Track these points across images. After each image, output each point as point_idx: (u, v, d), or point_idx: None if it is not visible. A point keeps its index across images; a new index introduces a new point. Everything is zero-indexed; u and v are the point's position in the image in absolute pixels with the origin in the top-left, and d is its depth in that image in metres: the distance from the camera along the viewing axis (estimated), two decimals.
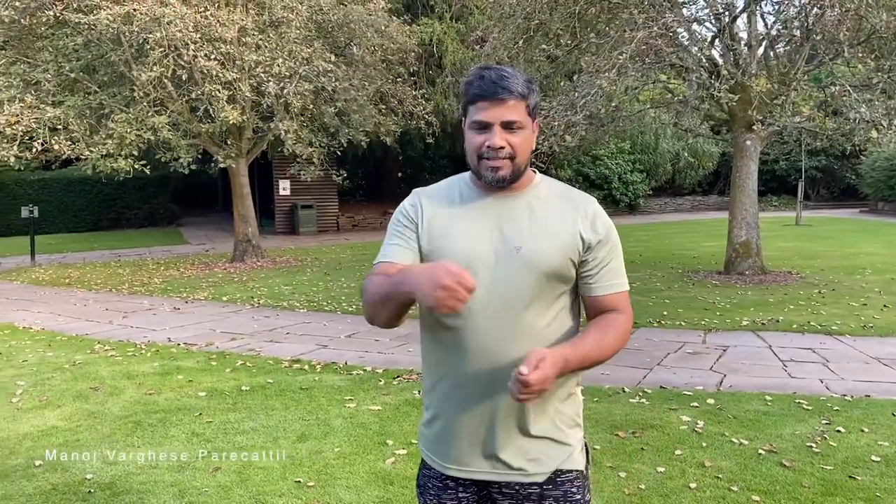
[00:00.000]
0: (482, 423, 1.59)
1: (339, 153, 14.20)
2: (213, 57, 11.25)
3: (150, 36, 10.85)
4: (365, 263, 13.26)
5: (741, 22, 11.07)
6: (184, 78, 11.50)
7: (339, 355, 6.43)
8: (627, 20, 9.44)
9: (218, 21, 11.32)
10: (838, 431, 4.25)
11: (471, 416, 1.60)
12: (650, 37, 9.01)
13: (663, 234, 18.41)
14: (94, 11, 10.86)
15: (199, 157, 13.47)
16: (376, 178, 26.03)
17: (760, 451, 3.97)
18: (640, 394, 5.08)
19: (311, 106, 12.63)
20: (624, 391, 5.15)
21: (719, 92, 9.03)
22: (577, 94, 9.51)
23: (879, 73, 9.31)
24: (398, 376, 5.64)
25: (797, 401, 4.83)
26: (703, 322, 7.52)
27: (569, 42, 10.14)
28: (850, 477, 3.62)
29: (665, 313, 8.00)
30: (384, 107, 14.58)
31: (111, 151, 11.49)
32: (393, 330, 7.52)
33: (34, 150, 11.24)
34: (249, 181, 14.25)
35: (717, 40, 10.91)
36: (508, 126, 1.55)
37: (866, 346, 6.39)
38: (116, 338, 7.35)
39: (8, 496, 3.56)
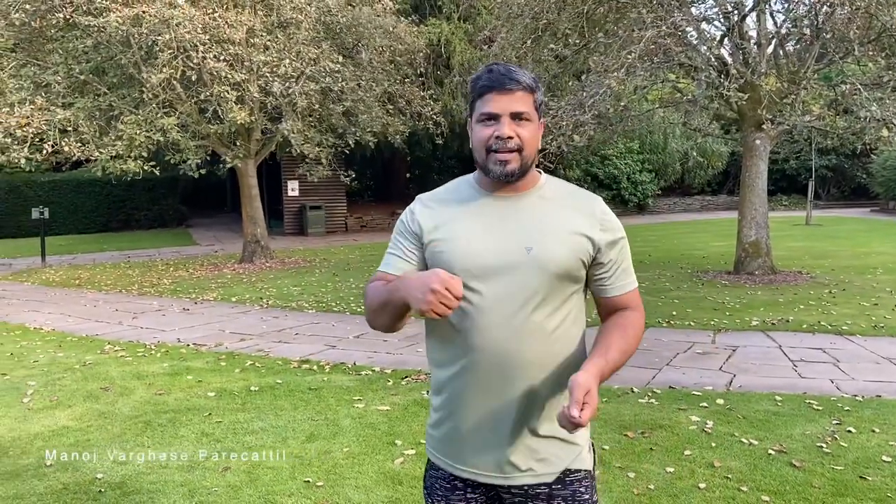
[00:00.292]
0: (490, 424, 1.59)
1: (346, 153, 14.24)
2: (221, 58, 11.29)
3: (160, 38, 10.90)
4: (373, 264, 13.28)
5: (750, 20, 11.07)
6: (192, 79, 11.54)
7: (348, 356, 6.44)
8: (636, 19, 9.42)
9: (226, 22, 11.36)
10: (849, 432, 4.22)
11: (479, 417, 1.59)
12: (659, 36, 8.98)
13: (672, 234, 18.35)
14: (104, 14, 10.92)
15: (208, 158, 13.52)
16: (384, 178, 26.05)
17: (770, 451, 3.95)
18: (650, 394, 5.06)
19: (318, 106, 12.65)
20: (633, 391, 5.14)
21: (728, 91, 8.99)
22: (585, 94, 9.49)
23: (890, 72, 9.25)
24: (407, 377, 5.64)
25: (807, 401, 4.81)
26: (712, 322, 7.49)
27: (577, 42, 10.13)
28: (860, 477, 3.60)
29: (674, 313, 7.97)
30: (392, 107, 14.60)
31: (121, 153, 11.55)
32: (402, 331, 7.53)
33: (44, 151, 11.31)
34: (258, 182, 14.29)
35: (726, 39, 10.87)
36: (517, 117, 1.55)
37: (877, 346, 6.35)
38: (126, 338, 7.39)
39: (20, 495, 3.58)
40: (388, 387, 5.39)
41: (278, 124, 12.59)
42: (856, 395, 4.93)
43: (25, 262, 15.23)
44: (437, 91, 16.74)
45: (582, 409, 1.38)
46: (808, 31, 9.87)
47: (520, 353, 1.55)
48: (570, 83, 12.04)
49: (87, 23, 10.94)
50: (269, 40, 11.99)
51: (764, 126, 10.23)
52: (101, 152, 11.52)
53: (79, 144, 11.47)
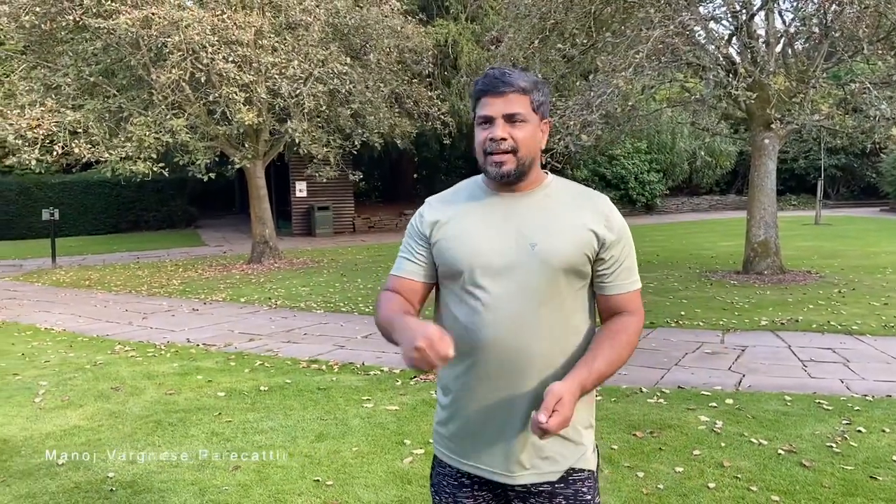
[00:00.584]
0: (497, 421, 1.60)
1: (354, 153, 14.26)
2: (230, 59, 11.34)
3: (169, 39, 10.96)
4: (381, 265, 13.30)
5: (759, 19, 10.99)
6: (201, 81, 11.60)
7: (357, 356, 6.46)
8: (643, 19, 9.41)
9: (235, 24, 11.41)
10: (859, 431, 4.21)
11: (486, 414, 1.61)
12: (666, 35, 8.96)
13: (680, 234, 18.30)
14: (114, 16, 10.99)
15: (217, 159, 13.58)
16: (392, 179, 26.10)
17: (780, 451, 3.95)
18: (658, 394, 5.06)
19: (326, 107, 12.69)
20: (641, 391, 5.13)
21: (737, 90, 8.96)
22: (592, 94, 9.48)
23: None
24: (415, 377, 5.65)
25: (817, 401, 4.79)
26: (721, 322, 7.47)
27: (584, 42, 10.11)
28: (871, 477, 3.59)
29: (683, 313, 7.96)
30: (399, 108, 14.62)
31: (130, 154, 11.61)
32: None
33: (55, 153, 11.38)
34: (266, 183, 14.34)
35: (734, 38, 10.84)
36: (511, 119, 1.56)
37: (887, 345, 6.32)
38: (136, 338, 7.43)
39: (32, 494, 3.61)
40: (397, 387, 5.40)
41: (286, 125, 12.64)
42: (866, 395, 4.91)
43: (36, 262, 15.34)
44: (444, 91, 16.77)
45: (550, 416, 1.39)
46: (816, 30, 9.83)
47: (527, 349, 1.56)
48: (577, 83, 12.02)
49: (96, 25, 11.01)
50: (277, 42, 12.03)
51: (773, 125, 10.20)
52: (110, 154, 11.59)
53: (89, 146, 11.54)
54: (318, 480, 3.70)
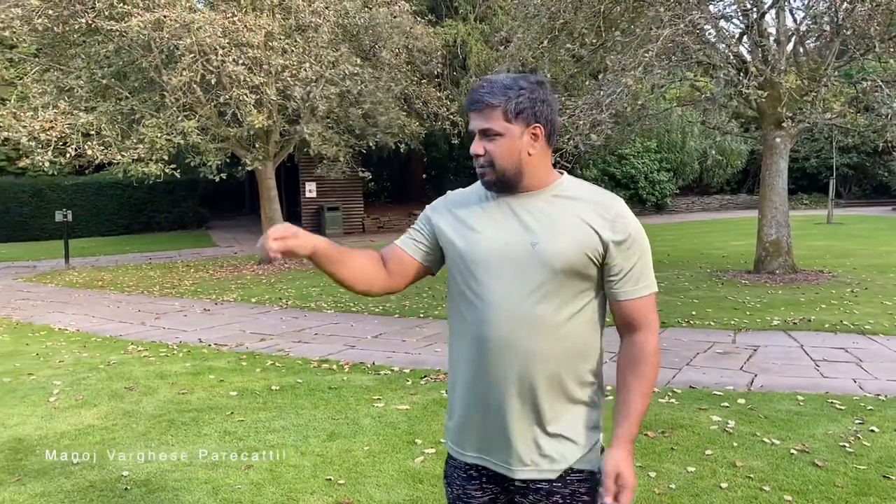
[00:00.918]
0: (498, 416, 1.62)
1: (364, 151, 14.32)
2: (240, 62, 11.40)
3: (180, 42, 11.03)
4: None
5: (769, 18, 10.94)
6: (212, 83, 11.66)
7: (367, 355, 6.48)
8: (653, 18, 9.38)
9: (245, 26, 11.47)
10: (872, 431, 4.19)
11: (488, 408, 1.63)
12: (676, 34, 8.94)
13: (691, 234, 18.24)
14: (126, 18, 11.07)
15: (228, 160, 13.65)
16: (401, 179, 26.13)
17: (792, 450, 3.93)
18: (670, 394, 5.05)
19: (337, 108, 12.73)
20: (653, 391, 5.12)
21: (748, 89, 8.92)
22: (602, 93, 9.46)
23: None
24: (425, 376, 5.66)
25: (830, 400, 4.77)
26: (732, 322, 7.44)
27: (594, 41, 10.10)
28: (884, 476, 3.57)
29: (694, 313, 7.93)
30: (409, 109, 14.65)
31: (142, 156, 11.69)
32: (420, 331, 7.58)
33: (68, 155, 11.48)
34: (276, 184, 14.40)
35: (744, 37, 10.79)
36: (485, 134, 1.61)
37: None
38: (149, 339, 7.48)
39: (47, 493, 3.65)
40: (407, 386, 5.42)
41: (297, 126, 12.69)
42: (879, 395, 4.88)
43: (49, 264, 15.46)
44: (453, 92, 16.79)
45: (618, 494, 1.55)
46: (827, 28, 9.77)
47: (525, 347, 1.58)
48: (587, 82, 12.00)
49: (108, 27, 11.10)
50: (287, 44, 12.08)
51: (784, 124, 10.15)
52: (123, 156, 11.67)
53: (101, 148, 11.63)
54: (329, 479, 3.72)
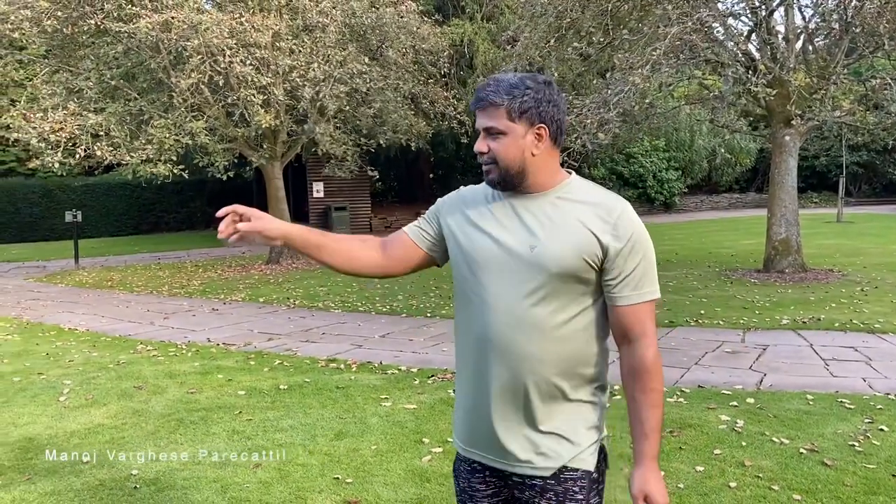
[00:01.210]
0: (495, 413, 1.64)
1: (372, 151, 14.34)
2: (248, 62, 11.43)
3: (188, 43, 11.07)
4: None
5: (778, 15, 10.89)
6: (220, 83, 11.70)
7: (374, 355, 6.49)
8: (661, 16, 9.35)
9: (253, 27, 11.50)
10: (881, 430, 4.17)
11: (485, 406, 1.65)
12: (684, 32, 8.91)
13: (700, 233, 18.17)
14: (134, 20, 11.12)
15: (235, 160, 13.70)
16: (408, 179, 26.14)
17: (802, 450, 3.92)
18: (678, 393, 5.03)
19: (346, 107, 12.76)
20: (663, 398, 5.10)
21: (756, 87, 8.89)
22: (609, 92, 9.44)
23: None
24: (433, 375, 5.67)
25: (839, 400, 4.75)
26: (741, 321, 7.41)
27: (601, 40, 10.08)
28: (893, 476, 3.55)
29: (702, 312, 7.91)
30: (416, 109, 14.66)
31: (151, 157, 11.74)
32: (427, 330, 7.58)
33: (77, 156, 11.54)
34: (284, 184, 14.43)
35: (753, 34, 10.75)
36: (489, 132, 1.63)
37: None
38: (158, 338, 7.51)
39: (57, 492, 3.67)
40: (415, 385, 5.42)
41: (304, 126, 12.72)
42: (888, 394, 4.86)
43: (59, 264, 15.55)
44: (460, 91, 16.78)
45: None
46: (836, 26, 9.72)
47: (521, 348, 1.59)
48: (594, 81, 11.98)
49: (117, 29, 11.15)
50: (294, 44, 12.11)
51: (793, 122, 10.10)
52: (131, 156, 11.73)
53: (110, 148, 11.68)
54: (337, 478, 3.73)
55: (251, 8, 12.14)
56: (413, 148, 15.45)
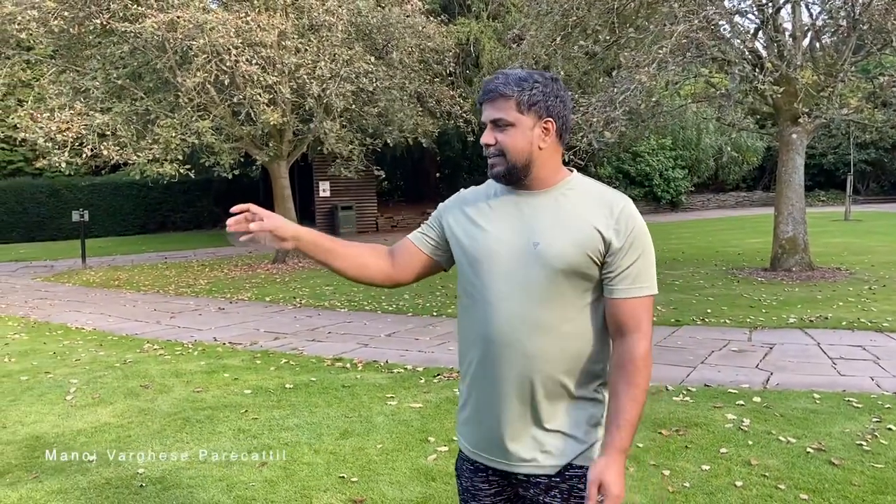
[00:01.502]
0: (499, 412, 1.64)
1: (378, 150, 14.35)
2: (254, 61, 11.45)
3: (194, 42, 11.09)
4: None
5: (785, 13, 10.86)
6: (226, 83, 11.72)
7: (380, 354, 6.49)
8: (667, 14, 9.32)
9: (259, 26, 11.52)
10: (889, 429, 4.14)
11: (489, 405, 1.65)
12: (691, 30, 8.87)
13: (706, 231, 18.12)
14: (140, 20, 11.15)
15: (242, 159, 13.72)
16: (415, 178, 26.14)
17: (809, 449, 3.90)
18: (684, 392, 5.02)
19: (353, 106, 12.77)
20: (667, 389, 5.10)
21: (763, 85, 8.85)
22: (616, 90, 9.41)
23: None
24: (438, 374, 5.67)
25: (847, 399, 4.72)
26: (748, 319, 7.39)
27: (607, 38, 10.05)
28: None
29: (709, 311, 7.88)
30: (422, 108, 14.66)
31: (157, 156, 11.77)
32: (433, 329, 7.58)
33: (84, 155, 11.58)
34: (290, 183, 14.45)
35: (760, 32, 10.70)
36: (496, 124, 1.62)
37: None
38: (164, 337, 7.54)
39: (64, 490, 3.68)
40: (420, 384, 5.42)
41: (310, 125, 12.73)
42: None
43: (66, 263, 15.61)
44: (466, 90, 16.77)
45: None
46: (844, 23, 9.67)
47: (525, 346, 1.58)
48: (600, 80, 11.96)
49: (123, 29, 11.17)
50: (300, 43, 12.12)
51: (800, 120, 10.06)
52: (138, 156, 11.76)
53: (117, 148, 11.72)
54: (343, 477, 3.73)
55: (257, 7, 12.16)
56: (425, 144, 15.43)
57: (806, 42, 10.58)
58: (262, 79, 11.40)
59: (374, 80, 12.57)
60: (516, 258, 1.59)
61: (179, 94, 11.78)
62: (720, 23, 9.97)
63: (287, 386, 5.48)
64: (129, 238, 21.85)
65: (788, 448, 3.93)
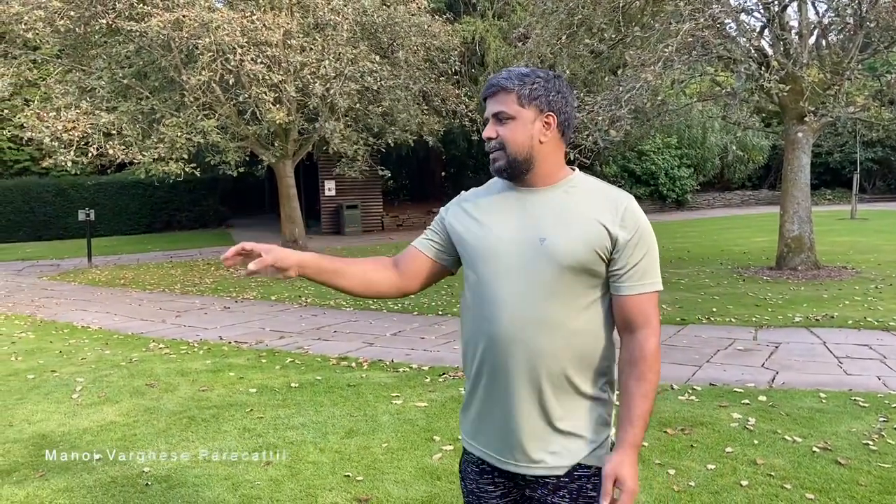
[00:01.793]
0: (506, 412, 1.62)
1: (383, 150, 14.36)
2: (259, 60, 11.47)
3: (199, 41, 11.12)
4: None
5: (791, 11, 10.81)
6: (231, 82, 11.74)
7: (386, 353, 6.49)
8: (673, 12, 9.30)
9: (264, 25, 11.53)
10: None
11: (497, 405, 1.63)
12: (696, 28, 8.85)
13: (712, 230, 18.07)
14: (146, 19, 11.17)
15: (247, 159, 13.75)
16: (420, 177, 26.14)
17: (815, 448, 3.88)
18: (689, 391, 5.01)
19: (357, 105, 12.78)
20: (672, 388, 5.09)
21: (769, 83, 8.82)
22: (621, 89, 9.39)
23: None
24: (444, 373, 5.67)
25: (853, 398, 4.70)
26: (753, 318, 7.36)
27: (613, 36, 10.04)
28: None
29: (714, 310, 7.86)
30: (427, 107, 14.66)
31: (163, 155, 11.81)
32: (438, 328, 7.58)
33: (90, 154, 11.62)
34: (295, 182, 14.47)
35: (766, 30, 10.66)
36: (497, 117, 1.63)
37: None
38: (170, 336, 7.56)
39: (70, 488, 3.70)
40: (426, 383, 5.42)
41: (316, 124, 12.75)
42: None
43: (72, 262, 15.67)
44: (471, 89, 16.76)
45: (616, 500, 1.53)
46: (851, 21, 9.62)
47: (533, 344, 1.57)
48: (606, 78, 11.94)
49: (129, 28, 11.21)
50: (305, 42, 12.13)
51: (806, 118, 10.02)
52: (144, 155, 11.80)
53: (122, 147, 11.76)
54: (348, 476, 3.74)
55: (262, 6, 12.17)
56: (430, 143, 15.42)
57: (812, 40, 10.54)
58: (267, 78, 11.42)
59: (378, 80, 12.57)
60: (522, 254, 1.59)
61: (185, 92, 11.81)
62: (726, 21, 9.93)
63: (292, 385, 5.49)
64: (135, 237, 21.91)
65: (794, 447, 3.92)
